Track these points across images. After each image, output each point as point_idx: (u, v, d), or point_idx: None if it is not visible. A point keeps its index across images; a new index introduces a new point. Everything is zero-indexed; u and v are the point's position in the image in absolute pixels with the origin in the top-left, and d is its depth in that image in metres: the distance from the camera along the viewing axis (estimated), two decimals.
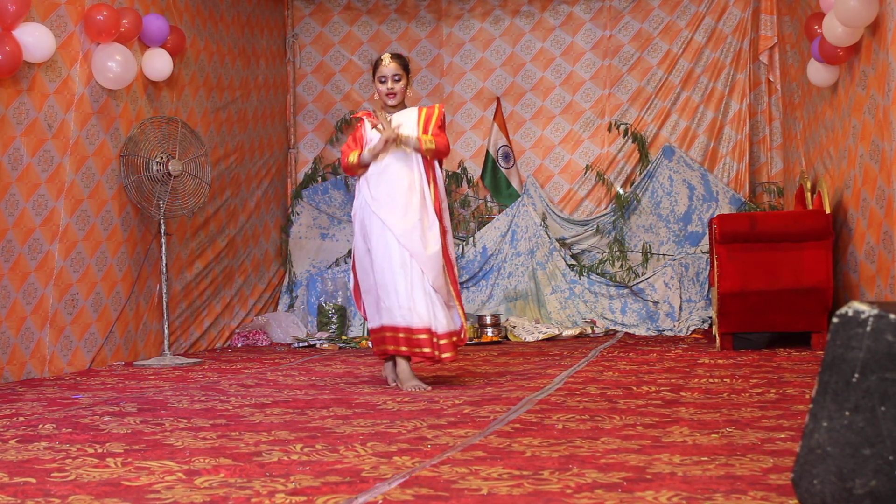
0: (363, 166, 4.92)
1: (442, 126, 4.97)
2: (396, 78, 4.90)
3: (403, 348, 4.81)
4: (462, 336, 4.93)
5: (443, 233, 4.92)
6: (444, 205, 4.99)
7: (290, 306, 8.71)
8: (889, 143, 5.19)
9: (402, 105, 4.98)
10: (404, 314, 4.76)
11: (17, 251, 5.78)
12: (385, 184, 4.85)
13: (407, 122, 4.95)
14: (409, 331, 4.77)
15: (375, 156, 4.86)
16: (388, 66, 4.90)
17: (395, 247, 4.78)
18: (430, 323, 4.76)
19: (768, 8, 8.35)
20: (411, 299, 4.75)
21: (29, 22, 5.64)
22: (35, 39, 5.61)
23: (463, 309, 4.98)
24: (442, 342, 4.79)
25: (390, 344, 4.84)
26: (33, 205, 5.88)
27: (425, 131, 4.91)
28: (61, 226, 6.07)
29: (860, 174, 5.72)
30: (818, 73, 6.44)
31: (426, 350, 4.77)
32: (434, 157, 4.94)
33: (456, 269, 5.02)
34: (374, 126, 4.93)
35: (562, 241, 8.54)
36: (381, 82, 4.91)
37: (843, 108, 6.12)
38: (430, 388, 4.79)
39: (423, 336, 4.76)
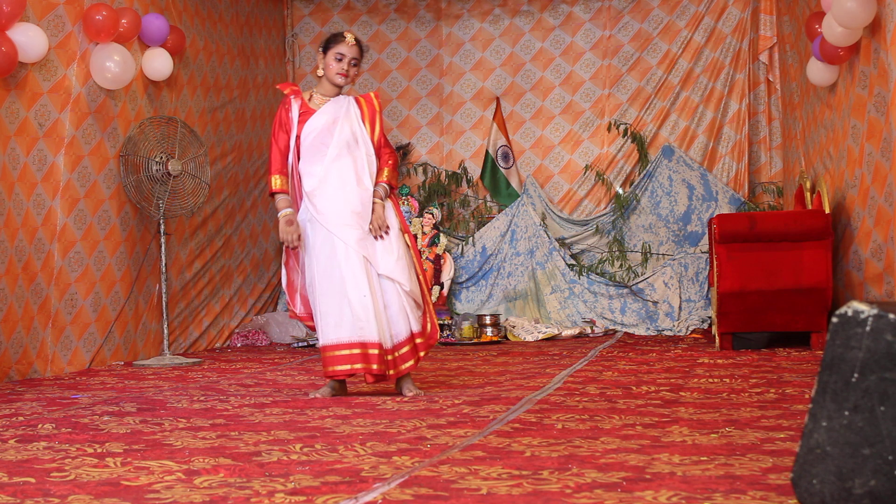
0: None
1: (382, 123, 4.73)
2: (354, 62, 4.65)
3: (359, 365, 4.49)
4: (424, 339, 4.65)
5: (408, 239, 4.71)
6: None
7: None
8: None
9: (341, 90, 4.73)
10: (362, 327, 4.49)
11: (28, 251, 5.79)
12: (329, 201, 4.57)
13: (344, 113, 4.64)
14: (363, 346, 4.48)
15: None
16: (352, 47, 4.62)
17: (353, 258, 4.51)
18: (382, 338, 4.50)
19: (768, 8, 8.35)
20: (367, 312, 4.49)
21: (24, 22, 5.63)
22: (28, 39, 5.59)
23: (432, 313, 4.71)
24: (397, 353, 4.54)
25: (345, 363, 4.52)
26: (34, 204, 5.88)
27: (372, 135, 4.64)
28: (59, 225, 6.07)
29: (868, 172, 5.71)
30: (819, 72, 6.42)
31: (373, 367, 4.48)
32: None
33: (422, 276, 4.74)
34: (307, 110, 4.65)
35: (561, 241, 8.53)
36: (338, 60, 4.62)
37: (842, 108, 6.11)
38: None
39: (375, 351, 4.48)
